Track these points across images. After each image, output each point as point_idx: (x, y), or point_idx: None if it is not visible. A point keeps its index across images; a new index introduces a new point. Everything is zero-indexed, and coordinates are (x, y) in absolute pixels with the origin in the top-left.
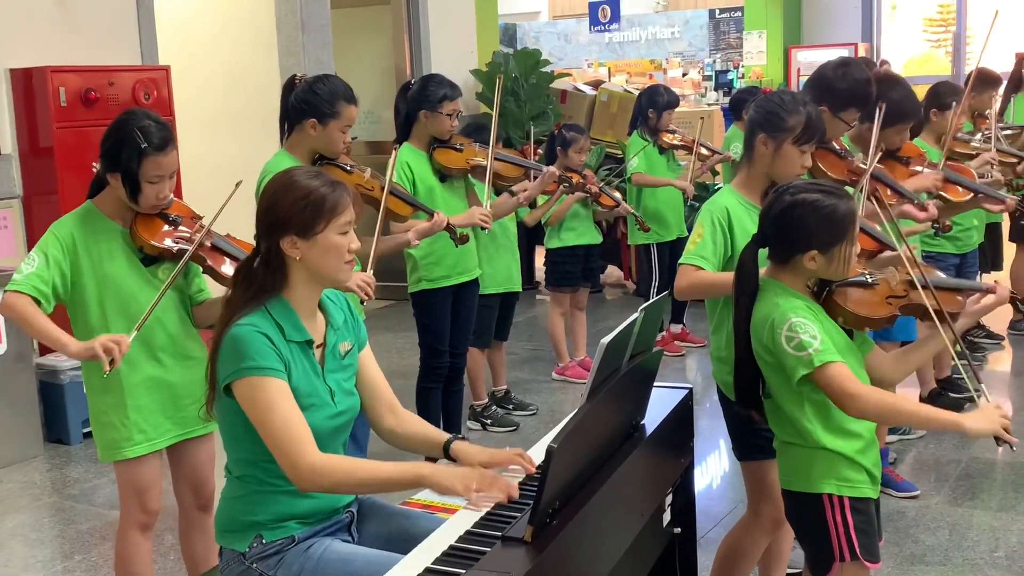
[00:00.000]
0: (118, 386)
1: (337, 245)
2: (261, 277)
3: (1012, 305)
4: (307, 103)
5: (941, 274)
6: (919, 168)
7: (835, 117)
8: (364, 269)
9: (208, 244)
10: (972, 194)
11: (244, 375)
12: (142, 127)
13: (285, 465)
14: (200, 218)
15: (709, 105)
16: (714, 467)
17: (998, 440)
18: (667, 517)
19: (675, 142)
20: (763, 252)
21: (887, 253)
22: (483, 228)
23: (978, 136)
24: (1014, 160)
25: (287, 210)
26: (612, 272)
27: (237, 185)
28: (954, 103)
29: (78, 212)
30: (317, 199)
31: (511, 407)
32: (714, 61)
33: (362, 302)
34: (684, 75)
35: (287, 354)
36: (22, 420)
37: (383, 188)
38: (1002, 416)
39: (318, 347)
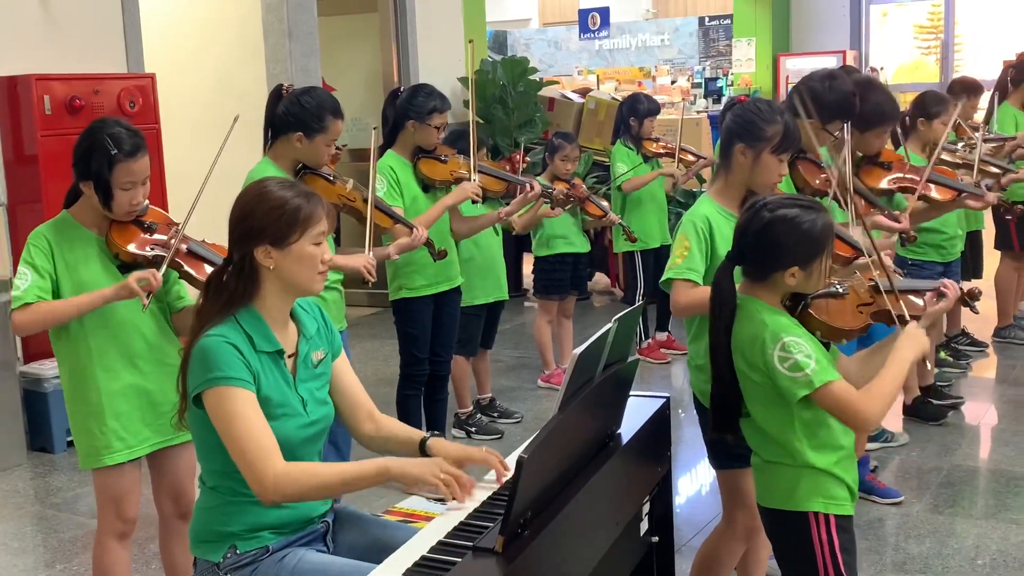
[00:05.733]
0: (96, 393)
1: (311, 255)
2: (232, 286)
3: (962, 303)
4: (294, 116)
5: (899, 277)
6: (899, 173)
7: (821, 128)
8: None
9: (183, 249)
10: (956, 193)
11: (211, 385)
12: (112, 134)
13: (249, 477)
14: (176, 224)
15: (698, 112)
16: (697, 475)
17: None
18: (644, 526)
19: (658, 150)
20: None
21: (861, 260)
22: (474, 202)
23: (960, 144)
24: (998, 171)
25: (262, 219)
26: (600, 279)
27: (203, 185)
28: (943, 113)
29: (53, 221)
30: (292, 209)
31: (496, 415)
32: (703, 68)
33: (366, 283)
34: (673, 82)
35: (256, 364)
36: (5, 428)
37: (366, 200)
38: (921, 332)
39: (290, 356)
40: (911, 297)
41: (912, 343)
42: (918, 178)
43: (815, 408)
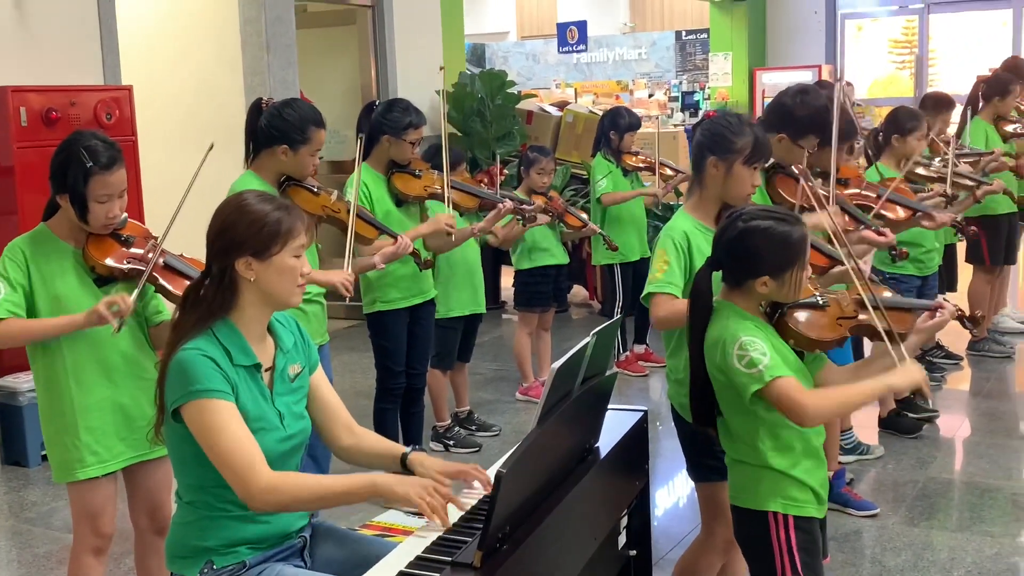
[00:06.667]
0: (70, 407)
1: (292, 267)
2: (210, 299)
3: (959, 322)
4: (277, 129)
5: (889, 293)
6: (857, 189)
7: (794, 144)
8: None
9: (160, 263)
10: (912, 212)
11: (192, 399)
12: (88, 146)
13: (237, 486)
14: (154, 238)
15: (675, 126)
16: (675, 488)
17: (916, 395)
18: (623, 539)
19: (638, 163)
20: (716, 275)
21: (837, 268)
22: (448, 233)
23: (937, 160)
24: (972, 184)
25: (244, 231)
26: (578, 292)
27: (182, 201)
28: (916, 128)
29: (30, 233)
30: (274, 221)
31: (474, 428)
32: (680, 82)
33: (344, 299)
34: (651, 96)
35: (234, 378)
36: None
37: (349, 210)
38: (921, 371)
39: (267, 370)
40: (901, 314)
41: (907, 375)
42: (873, 195)
43: (775, 409)
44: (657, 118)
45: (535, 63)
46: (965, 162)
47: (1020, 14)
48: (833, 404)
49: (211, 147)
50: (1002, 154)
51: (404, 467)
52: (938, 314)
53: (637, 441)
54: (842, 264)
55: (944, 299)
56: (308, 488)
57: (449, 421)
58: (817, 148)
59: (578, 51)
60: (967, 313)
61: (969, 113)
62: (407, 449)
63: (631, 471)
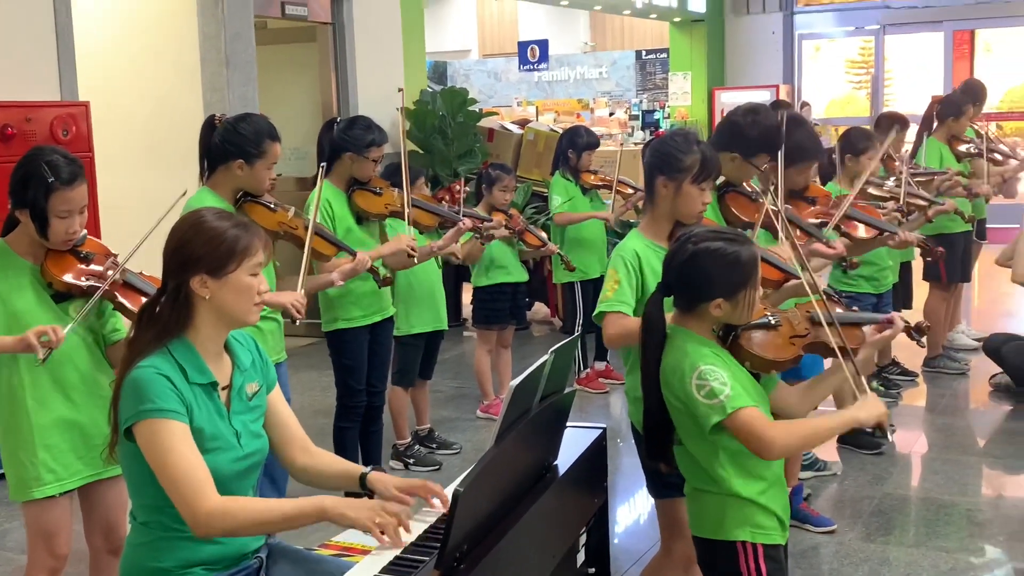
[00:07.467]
0: (27, 425)
1: (248, 286)
2: (165, 317)
3: (907, 334)
4: (232, 144)
5: (839, 309)
6: (823, 208)
7: (746, 162)
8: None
9: (119, 280)
10: (876, 232)
11: (143, 418)
12: (49, 161)
13: (183, 510)
14: (114, 255)
15: (636, 144)
16: (635, 505)
17: (878, 430)
18: (581, 557)
19: (596, 182)
20: (668, 299)
21: (792, 282)
22: (410, 255)
23: (891, 180)
24: (924, 204)
25: (200, 248)
26: (539, 309)
27: (156, 225)
28: (869, 148)
29: None
30: (231, 239)
31: (435, 446)
32: (641, 101)
33: (294, 321)
34: (611, 114)
35: (189, 397)
36: None
37: (307, 227)
38: (882, 405)
39: (224, 389)
40: (852, 329)
41: (871, 409)
42: (839, 212)
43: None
44: (619, 136)
45: (496, 81)
46: (919, 181)
47: (950, 37)
48: (798, 438)
49: (183, 194)
50: (955, 174)
51: (363, 487)
52: (888, 327)
53: (596, 458)
54: (796, 278)
55: (894, 313)
56: (255, 513)
57: (409, 439)
58: (785, 169)
59: (539, 69)
60: (912, 324)
61: (923, 133)
62: (366, 469)
63: (590, 489)
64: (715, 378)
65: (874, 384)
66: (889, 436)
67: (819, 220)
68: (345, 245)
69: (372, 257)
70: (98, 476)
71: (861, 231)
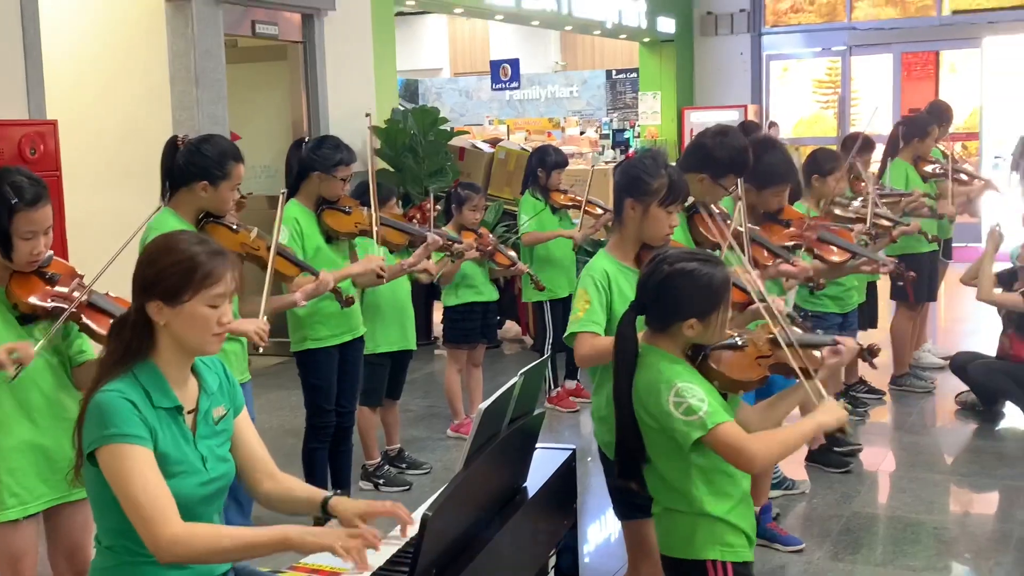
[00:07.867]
0: None
1: (204, 317)
2: (127, 339)
3: (860, 358)
4: (196, 166)
5: (799, 330)
6: (797, 230)
7: (715, 183)
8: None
9: (86, 302)
10: (849, 255)
11: (106, 443)
12: (13, 182)
13: (144, 536)
14: (80, 276)
15: (606, 163)
16: (605, 525)
17: (841, 432)
18: None
19: (566, 202)
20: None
21: (753, 306)
22: (379, 275)
23: (858, 200)
24: (889, 224)
25: (158, 273)
26: (510, 327)
27: (125, 245)
28: (836, 169)
29: None
30: (189, 267)
31: (404, 466)
32: (611, 120)
33: (257, 349)
34: (582, 133)
35: (154, 421)
36: None
37: (269, 248)
38: (841, 407)
39: (190, 412)
40: (811, 351)
41: (832, 412)
42: (812, 235)
43: (710, 455)
44: (590, 155)
45: (468, 99)
46: (885, 202)
47: (899, 60)
48: (776, 447)
49: (158, 209)
50: (921, 195)
51: (324, 512)
52: (839, 349)
53: (565, 480)
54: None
55: (840, 337)
56: (217, 541)
57: (379, 459)
58: (758, 192)
59: (511, 88)
60: (864, 346)
61: (889, 154)
62: (328, 494)
63: (560, 510)
64: (692, 395)
65: (841, 402)
66: (849, 430)
67: (793, 243)
68: (308, 265)
69: (340, 277)
70: (63, 499)
71: (832, 254)
